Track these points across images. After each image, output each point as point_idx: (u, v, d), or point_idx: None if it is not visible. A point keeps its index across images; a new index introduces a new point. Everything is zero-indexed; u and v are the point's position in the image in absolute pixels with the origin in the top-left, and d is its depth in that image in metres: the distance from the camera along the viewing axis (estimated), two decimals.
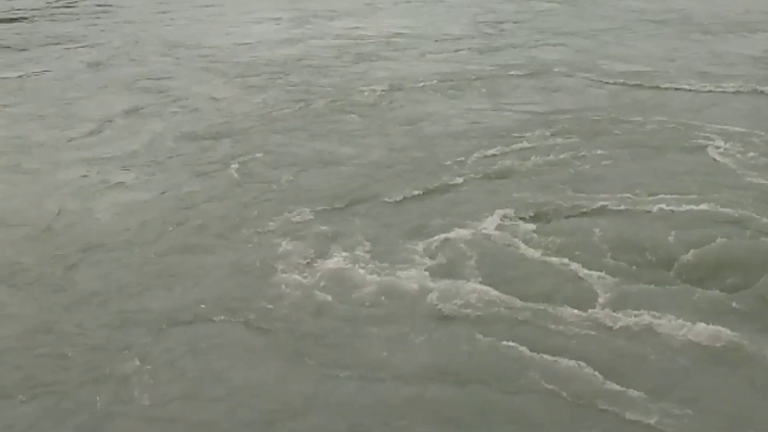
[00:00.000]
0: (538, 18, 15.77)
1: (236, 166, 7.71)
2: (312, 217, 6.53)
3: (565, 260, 5.76)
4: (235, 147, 8.30)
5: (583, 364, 4.64)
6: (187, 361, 4.80)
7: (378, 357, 4.81)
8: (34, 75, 11.74)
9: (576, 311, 5.14)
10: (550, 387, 4.49)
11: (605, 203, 6.67)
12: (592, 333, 4.95)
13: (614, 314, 5.10)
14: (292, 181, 7.32)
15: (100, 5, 17.66)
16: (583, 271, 5.61)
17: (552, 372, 4.61)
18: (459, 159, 7.80)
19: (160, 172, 7.67)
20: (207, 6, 17.57)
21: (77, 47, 13.47)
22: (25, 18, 16.14)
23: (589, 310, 5.16)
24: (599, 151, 7.92)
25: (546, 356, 4.75)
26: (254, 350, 4.93)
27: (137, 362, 4.74)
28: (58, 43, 13.81)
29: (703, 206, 6.48)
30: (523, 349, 4.82)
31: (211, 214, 6.66)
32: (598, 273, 5.56)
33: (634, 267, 5.67)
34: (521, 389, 4.50)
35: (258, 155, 8.01)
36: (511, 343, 4.87)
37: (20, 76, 11.63)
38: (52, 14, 16.53)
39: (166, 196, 7.10)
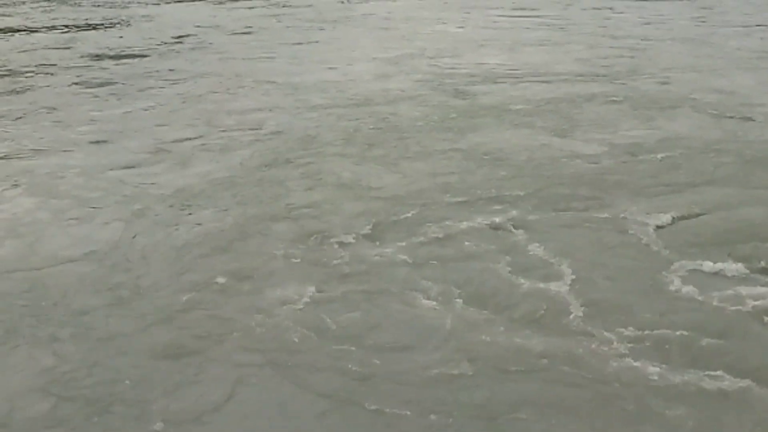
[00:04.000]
0: (643, 55, 15.33)
1: (289, 194, 7.87)
2: (343, 246, 6.58)
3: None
4: (295, 172, 8.51)
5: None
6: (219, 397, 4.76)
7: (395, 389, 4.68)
8: (133, 110, 12.11)
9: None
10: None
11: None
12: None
13: None
14: (334, 209, 7.42)
15: (201, 43, 18.26)
16: None
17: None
18: (512, 185, 7.85)
19: (216, 205, 7.71)
20: (314, 46, 17.87)
21: (176, 83, 13.90)
22: (134, 56, 16.84)
23: None
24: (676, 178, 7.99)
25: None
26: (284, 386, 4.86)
27: (174, 398, 4.72)
28: (161, 78, 14.29)
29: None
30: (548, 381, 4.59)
31: (252, 248, 6.68)
32: None
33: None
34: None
35: (309, 181, 8.24)
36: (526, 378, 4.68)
37: (119, 112, 11.99)
38: (159, 52, 17.19)
39: (215, 228, 7.14)
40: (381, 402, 4.58)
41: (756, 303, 5.44)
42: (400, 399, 4.59)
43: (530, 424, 4.35)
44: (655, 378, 4.66)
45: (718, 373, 4.69)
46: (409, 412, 4.48)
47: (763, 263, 6.01)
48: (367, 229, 6.86)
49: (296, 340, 5.22)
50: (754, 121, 10.05)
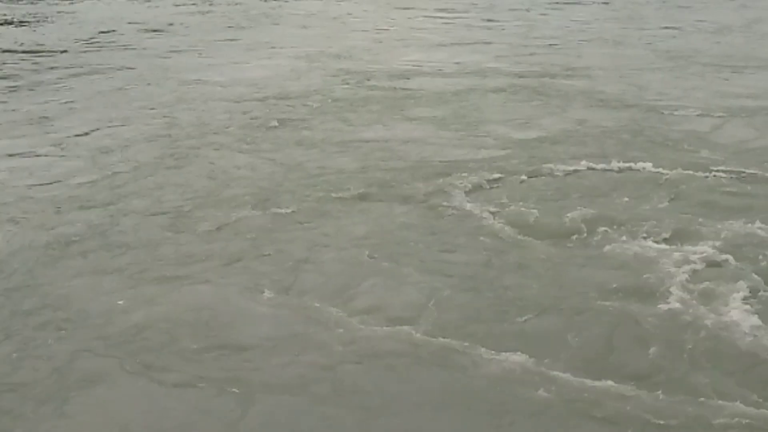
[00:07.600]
0: (558, 54, 15.64)
1: (169, 188, 7.92)
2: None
3: None
4: (181, 166, 8.62)
5: None
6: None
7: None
8: (38, 107, 11.78)
9: None
10: None
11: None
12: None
13: None
14: (203, 202, 7.51)
15: (120, 40, 18.06)
16: None
17: None
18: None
19: (95, 202, 7.58)
20: (234, 44, 17.76)
21: (89, 79, 13.65)
22: (49, 52, 16.52)
23: None
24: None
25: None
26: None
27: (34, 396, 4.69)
28: (73, 75, 14.01)
29: None
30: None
31: (117, 243, 6.64)
32: None
33: None
34: None
35: (191, 174, 8.31)
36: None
37: (24, 109, 11.65)
38: (75, 49, 16.89)
39: (84, 227, 6.98)
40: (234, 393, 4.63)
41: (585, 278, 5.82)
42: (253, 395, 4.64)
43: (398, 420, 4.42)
44: (517, 367, 4.75)
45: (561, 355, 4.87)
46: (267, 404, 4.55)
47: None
48: (222, 221, 7.01)
49: (149, 335, 5.19)
50: (657, 112, 10.61)
